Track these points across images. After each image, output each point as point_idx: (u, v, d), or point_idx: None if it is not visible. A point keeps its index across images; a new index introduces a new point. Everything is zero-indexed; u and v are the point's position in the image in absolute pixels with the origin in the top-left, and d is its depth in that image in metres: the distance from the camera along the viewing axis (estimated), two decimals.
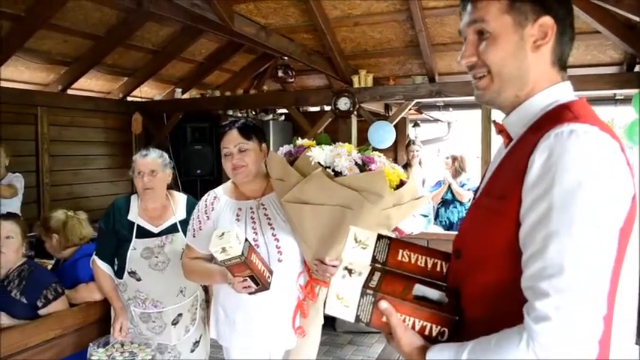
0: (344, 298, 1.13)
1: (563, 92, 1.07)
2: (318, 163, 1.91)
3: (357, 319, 1.13)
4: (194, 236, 2.21)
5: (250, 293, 1.93)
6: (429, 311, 1.07)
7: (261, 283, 1.89)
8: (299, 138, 2.16)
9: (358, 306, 1.12)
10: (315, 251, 2.01)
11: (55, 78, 5.76)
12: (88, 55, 5.55)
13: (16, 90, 5.37)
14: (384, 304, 1.08)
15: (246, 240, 1.85)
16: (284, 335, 2.16)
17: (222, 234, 1.81)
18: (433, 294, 1.13)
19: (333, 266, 1.92)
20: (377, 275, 1.17)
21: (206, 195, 2.25)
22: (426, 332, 1.07)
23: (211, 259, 2.18)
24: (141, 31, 5.52)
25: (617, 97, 6.37)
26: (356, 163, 1.91)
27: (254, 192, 2.21)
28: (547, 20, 1.03)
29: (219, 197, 2.21)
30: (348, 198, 1.85)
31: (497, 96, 1.09)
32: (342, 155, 1.91)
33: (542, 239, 0.91)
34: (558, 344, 0.87)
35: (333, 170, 1.89)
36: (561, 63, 1.09)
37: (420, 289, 1.14)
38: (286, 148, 2.11)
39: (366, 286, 1.12)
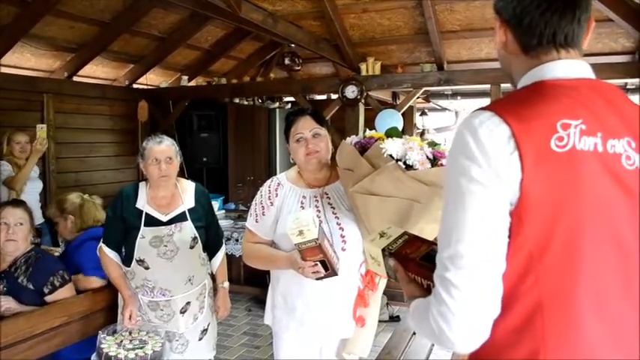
0: (375, 257, 1.32)
1: (533, 76, 1.06)
2: (390, 155, 1.90)
3: (388, 275, 1.31)
4: (256, 221, 2.20)
5: (318, 279, 1.94)
6: (429, 272, 1.11)
7: (330, 269, 1.91)
8: (367, 129, 2.16)
9: (385, 264, 1.28)
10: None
11: (61, 65, 5.74)
12: (94, 42, 5.54)
13: (21, 77, 5.36)
14: (391, 262, 1.23)
15: (320, 225, 1.87)
16: (342, 324, 2.17)
17: (298, 217, 1.82)
18: None
19: None
20: (403, 238, 1.29)
21: (269, 181, 2.25)
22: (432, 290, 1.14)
23: (272, 244, 2.20)
24: (147, 18, 5.49)
25: (628, 87, 6.29)
26: (427, 157, 1.91)
27: (318, 180, 2.20)
28: (496, 19, 1.13)
29: (283, 184, 2.20)
30: (418, 191, 1.85)
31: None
32: (415, 149, 1.90)
33: None
34: (446, 316, 0.95)
35: (405, 163, 1.89)
36: (533, 46, 1.06)
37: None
38: (355, 138, 2.10)
39: (385, 248, 1.26)
